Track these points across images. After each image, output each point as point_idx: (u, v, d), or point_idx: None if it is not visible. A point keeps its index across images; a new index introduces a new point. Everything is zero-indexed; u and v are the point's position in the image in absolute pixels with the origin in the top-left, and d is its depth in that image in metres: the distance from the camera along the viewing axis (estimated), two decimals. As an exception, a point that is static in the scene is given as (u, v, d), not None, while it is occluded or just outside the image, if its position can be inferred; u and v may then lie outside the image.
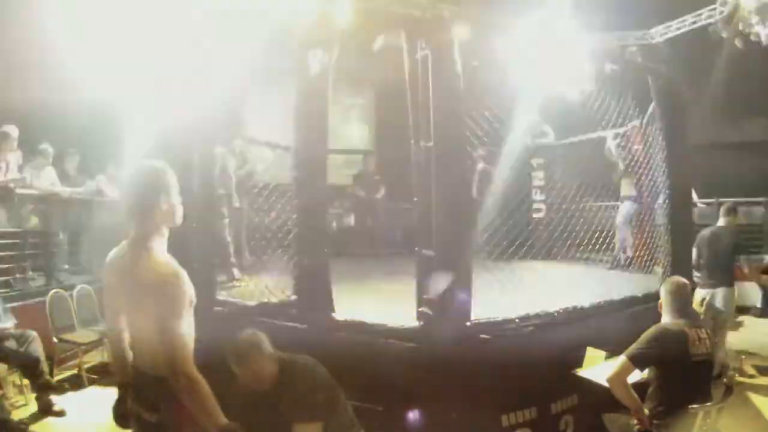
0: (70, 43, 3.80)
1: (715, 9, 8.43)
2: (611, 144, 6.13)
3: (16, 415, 4.32)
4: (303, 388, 2.48)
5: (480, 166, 7.42)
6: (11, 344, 4.52)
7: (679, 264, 4.66)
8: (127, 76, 3.76)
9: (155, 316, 1.83)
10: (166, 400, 1.91)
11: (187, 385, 1.82)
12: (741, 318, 6.99)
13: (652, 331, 2.96)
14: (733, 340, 5.90)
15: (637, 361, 2.84)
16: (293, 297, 3.69)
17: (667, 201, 4.79)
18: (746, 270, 6.19)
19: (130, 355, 2.08)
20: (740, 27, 7.64)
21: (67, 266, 6.73)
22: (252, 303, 3.91)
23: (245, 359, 2.47)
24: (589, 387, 3.23)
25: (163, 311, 1.82)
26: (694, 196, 8.94)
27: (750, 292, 7.80)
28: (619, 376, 2.84)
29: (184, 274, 1.89)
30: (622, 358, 2.87)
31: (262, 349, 2.51)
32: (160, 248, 1.93)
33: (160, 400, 1.91)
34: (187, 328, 1.86)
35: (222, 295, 4.16)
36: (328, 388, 2.58)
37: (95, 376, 5.39)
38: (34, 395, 4.57)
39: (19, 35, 7.08)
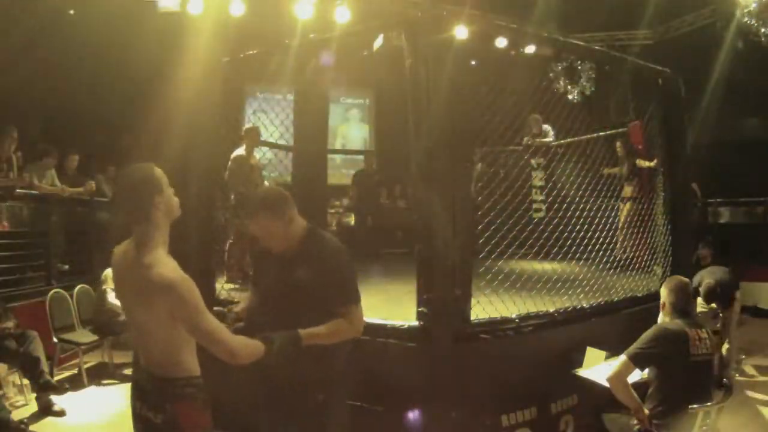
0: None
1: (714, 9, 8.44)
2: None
3: (16, 415, 4.32)
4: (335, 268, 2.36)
5: (479, 166, 7.43)
6: (11, 344, 4.52)
7: (679, 264, 4.66)
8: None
9: (185, 319, 1.86)
10: (171, 401, 1.91)
11: (247, 354, 1.98)
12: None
13: (652, 330, 2.96)
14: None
15: (637, 361, 2.84)
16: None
17: (667, 201, 4.79)
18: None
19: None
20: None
21: (67, 266, 6.73)
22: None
23: (257, 214, 2.34)
24: (589, 387, 3.24)
25: (189, 312, 1.85)
26: (697, 191, 8.99)
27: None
28: (620, 375, 2.84)
29: (188, 276, 1.90)
30: (622, 358, 2.87)
31: (274, 210, 2.33)
32: (163, 249, 1.93)
33: (166, 401, 1.91)
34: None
35: (222, 295, 4.17)
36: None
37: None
38: (34, 395, 4.56)
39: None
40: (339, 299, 2.36)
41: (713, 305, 5.28)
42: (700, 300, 5.27)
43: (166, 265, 1.88)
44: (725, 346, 5.37)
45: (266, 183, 5.95)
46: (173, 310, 1.84)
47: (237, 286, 4.87)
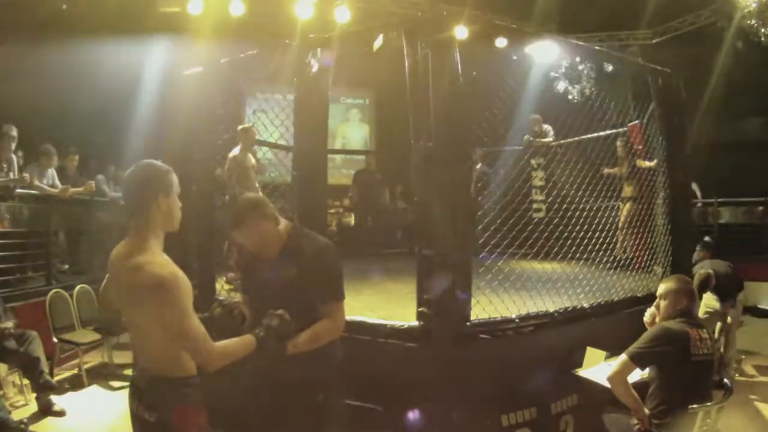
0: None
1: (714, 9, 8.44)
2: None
3: (16, 415, 4.32)
4: (323, 268, 2.35)
5: (479, 166, 7.43)
6: (11, 344, 4.52)
7: (679, 264, 4.66)
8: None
9: (168, 318, 1.84)
10: (166, 400, 1.92)
11: (221, 362, 1.95)
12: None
13: (653, 330, 2.95)
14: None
15: (638, 360, 2.84)
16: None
17: (667, 201, 4.79)
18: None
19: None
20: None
21: (67, 266, 6.72)
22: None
23: (244, 222, 2.33)
24: (589, 387, 3.24)
25: (174, 312, 1.83)
26: (697, 191, 8.98)
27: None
28: (620, 374, 2.84)
29: (182, 273, 1.89)
30: (623, 357, 2.87)
31: (261, 211, 2.34)
32: (158, 249, 1.93)
33: (161, 401, 1.92)
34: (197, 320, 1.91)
35: (221, 295, 4.17)
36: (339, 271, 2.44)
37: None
38: (34, 395, 4.57)
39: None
40: (322, 296, 2.34)
41: (716, 305, 5.27)
42: (704, 300, 5.26)
43: (155, 263, 1.86)
44: (723, 345, 5.37)
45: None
46: (158, 305, 1.83)
47: (236, 286, 4.87)
